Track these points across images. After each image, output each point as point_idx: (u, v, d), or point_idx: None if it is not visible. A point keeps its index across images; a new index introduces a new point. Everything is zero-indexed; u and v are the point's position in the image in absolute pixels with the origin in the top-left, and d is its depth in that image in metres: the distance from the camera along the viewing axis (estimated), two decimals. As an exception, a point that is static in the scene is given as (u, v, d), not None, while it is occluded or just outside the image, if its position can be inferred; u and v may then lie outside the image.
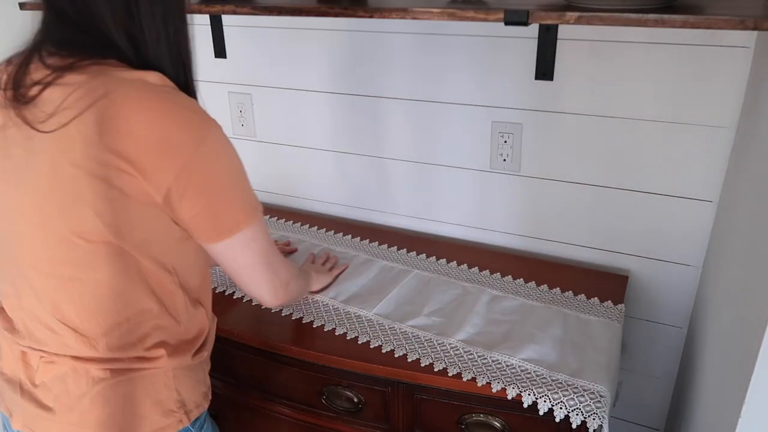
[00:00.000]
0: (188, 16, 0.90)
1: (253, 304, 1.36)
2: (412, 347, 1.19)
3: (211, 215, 0.86)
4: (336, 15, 1.11)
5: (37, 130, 0.80)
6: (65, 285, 0.85)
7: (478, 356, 1.16)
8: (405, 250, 1.56)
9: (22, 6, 1.51)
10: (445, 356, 1.17)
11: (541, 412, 1.06)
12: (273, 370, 1.31)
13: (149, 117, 0.79)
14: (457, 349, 1.18)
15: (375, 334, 1.24)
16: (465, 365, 1.14)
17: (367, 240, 1.61)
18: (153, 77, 0.83)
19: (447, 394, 1.16)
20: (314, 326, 1.28)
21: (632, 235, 1.42)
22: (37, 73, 0.83)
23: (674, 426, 1.44)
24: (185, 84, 0.89)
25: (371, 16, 1.07)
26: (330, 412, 1.29)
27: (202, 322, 0.99)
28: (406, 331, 1.24)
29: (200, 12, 1.25)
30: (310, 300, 1.35)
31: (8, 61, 0.88)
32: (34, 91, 0.82)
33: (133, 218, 0.82)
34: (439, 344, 1.20)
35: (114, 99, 0.78)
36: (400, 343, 1.21)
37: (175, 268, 0.90)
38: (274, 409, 1.36)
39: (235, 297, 1.39)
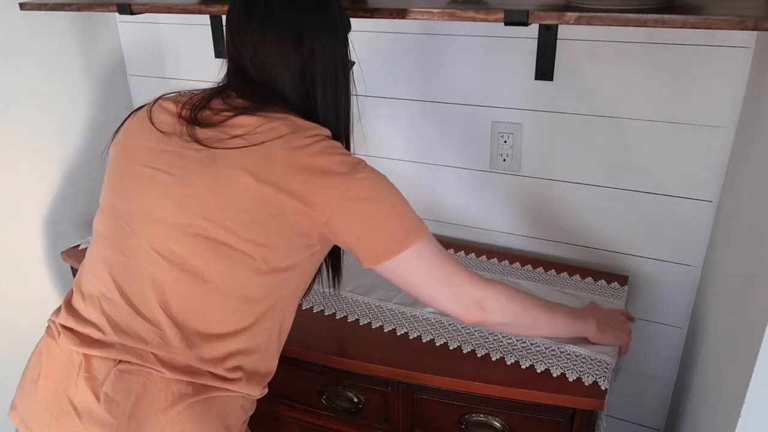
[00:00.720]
0: (351, 87, 1.04)
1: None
2: (437, 332, 1.24)
3: (375, 236, 0.91)
4: (336, 15, 1.11)
5: (210, 147, 0.90)
6: (187, 279, 0.89)
7: (503, 337, 1.21)
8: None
9: (22, 6, 1.51)
10: (471, 338, 1.21)
11: (570, 379, 1.10)
12: (273, 370, 1.31)
13: (316, 154, 0.89)
14: (482, 332, 1.23)
15: (399, 322, 1.27)
16: (491, 346, 1.19)
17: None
18: (324, 130, 0.93)
19: (447, 394, 1.16)
20: (348, 321, 1.29)
21: (632, 235, 1.42)
22: (217, 105, 0.94)
23: (674, 426, 1.44)
24: (346, 141, 1.04)
25: (371, 16, 1.07)
26: (330, 412, 1.29)
27: (275, 360, 1.02)
28: (428, 317, 1.28)
29: (200, 12, 1.25)
30: (329, 294, 1.36)
31: (191, 93, 0.99)
32: (212, 118, 0.92)
33: (282, 242, 0.90)
34: (463, 327, 1.25)
35: (294, 137, 0.89)
36: (425, 329, 1.24)
37: (284, 302, 0.96)
38: (274, 409, 1.36)
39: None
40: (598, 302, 1.32)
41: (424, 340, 1.22)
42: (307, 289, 1.04)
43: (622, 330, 1.20)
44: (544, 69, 1.35)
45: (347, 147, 1.04)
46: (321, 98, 0.98)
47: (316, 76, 0.96)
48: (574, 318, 1.14)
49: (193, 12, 1.26)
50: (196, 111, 0.94)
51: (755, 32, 1.15)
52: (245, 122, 0.91)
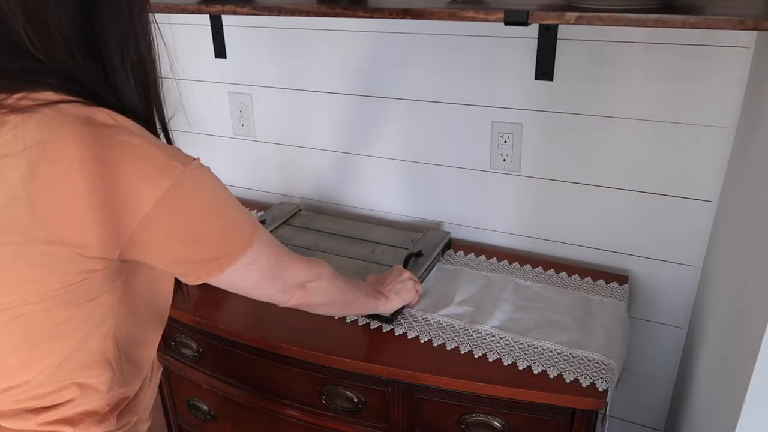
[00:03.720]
0: (153, 29, 0.75)
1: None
2: (435, 333, 1.23)
3: (191, 261, 0.75)
4: (336, 15, 1.11)
5: None
6: None
7: (500, 338, 1.21)
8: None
9: (22, 6, 1.50)
10: (468, 340, 1.21)
11: (583, 385, 1.09)
12: (273, 370, 1.31)
13: (92, 172, 0.64)
14: (493, 336, 1.22)
15: (410, 326, 1.26)
16: (488, 347, 1.19)
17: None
18: (102, 115, 0.67)
19: (447, 394, 1.16)
20: (347, 321, 1.29)
21: (632, 235, 1.42)
22: None
23: (674, 426, 1.44)
24: (151, 118, 0.77)
25: (371, 16, 1.07)
26: (330, 412, 1.29)
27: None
28: (427, 318, 1.28)
29: (200, 12, 1.25)
30: None
31: None
32: None
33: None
34: (461, 329, 1.24)
35: (50, 151, 0.63)
36: (436, 333, 1.23)
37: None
38: (274, 409, 1.36)
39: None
40: (596, 302, 1.32)
41: (422, 341, 1.22)
42: None
43: (406, 291, 1.26)
44: (544, 69, 1.35)
45: (152, 123, 0.77)
46: (108, 56, 0.69)
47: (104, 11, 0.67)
48: (372, 298, 1.18)
49: (193, 12, 1.26)
50: None
51: (755, 32, 1.15)
52: None
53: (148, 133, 0.71)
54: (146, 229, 0.68)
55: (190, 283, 0.79)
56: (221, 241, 0.77)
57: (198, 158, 0.73)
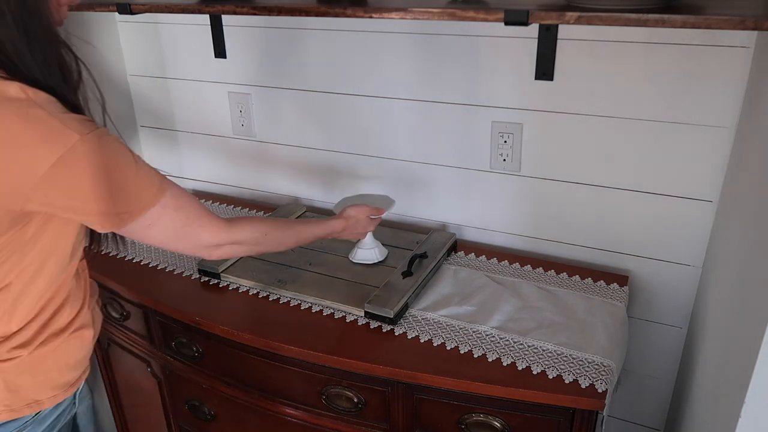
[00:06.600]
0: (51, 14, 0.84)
1: (249, 294, 1.36)
2: (435, 332, 1.23)
3: (91, 213, 0.86)
4: (336, 15, 1.11)
5: None
6: None
7: (500, 338, 1.21)
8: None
9: (22, 6, 1.50)
10: (468, 339, 1.21)
11: (583, 386, 1.09)
12: (273, 370, 1.31)
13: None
14: (493, 336, 1.22)
15: (410, 326, 1.26)
16: (488, 347, 1.19)
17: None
18: (13, 89, 0.80)
19: (447, 394, 1.16)
20: (347, 321, 1.29)
21: (632, 235, 1.42)
22: None
23: (674, 426, 1.44)
24: (62, 91, 0.86)
25: (371, 16, 1.07)
26: (330, 412, 1.29)
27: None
28: (426, 317, 1.28)
29: (200, 12, 1.25)
30: None
31: None
32: None
33: None
34: (460, 328, 1.24)
35: None
36: (436, 333, 1.24)
37: None
38: (274, 409, 1.36)
39: (230, 288, 1.39)
40: (598, 303, 1.32)
41: (422, 341, 1.22)
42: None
43: (364, 228, 1.37)
44: (544, 69, 1.35)
45: (67, 97, 0.87)
46: (6, 33, 0.80)
47: None
48: (316, 226, 1.25)
49: (192, 12, 1.26)
50: None
51: (755, 32, 1.15)
52: None
53: (56, 106, 0.82)
54: (43, 188, 0.80)
55: (99, 231, 0.93)
56: (119, 200, 0.87)
57: (103, 127, 0.85)
